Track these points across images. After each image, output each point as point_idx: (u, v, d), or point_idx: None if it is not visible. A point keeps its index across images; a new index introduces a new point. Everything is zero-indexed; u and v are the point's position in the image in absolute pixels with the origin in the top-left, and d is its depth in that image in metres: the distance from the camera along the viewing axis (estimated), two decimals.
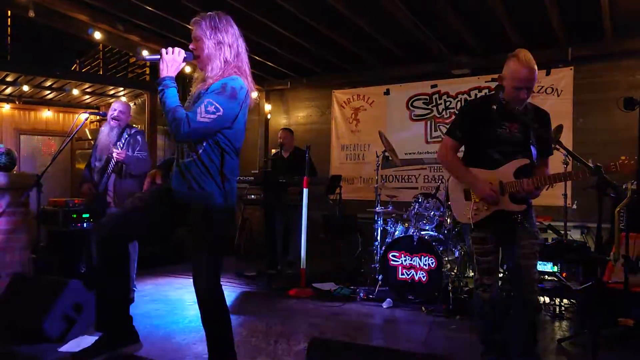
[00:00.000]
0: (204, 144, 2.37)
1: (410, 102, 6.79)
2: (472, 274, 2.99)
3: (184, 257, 6.36)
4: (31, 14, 5.00)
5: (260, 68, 6.91)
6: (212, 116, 2.27)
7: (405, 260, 4.65)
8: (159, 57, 2.39)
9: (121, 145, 4.28)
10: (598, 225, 2.37)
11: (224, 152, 2.39)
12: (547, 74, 5.86)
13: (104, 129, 4.41)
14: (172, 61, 2.38)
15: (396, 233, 5.01)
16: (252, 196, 5.88)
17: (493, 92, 2.71)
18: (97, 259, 2.45)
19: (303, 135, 7.37)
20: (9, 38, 7.78)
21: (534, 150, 2.77)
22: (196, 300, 2.43)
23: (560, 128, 4.75)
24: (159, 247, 6.47)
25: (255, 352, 3.22)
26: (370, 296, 4.76)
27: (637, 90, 5.19)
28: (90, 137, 8.47)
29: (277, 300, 4.70)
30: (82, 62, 8.98)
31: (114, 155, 4.19)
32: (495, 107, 2.74)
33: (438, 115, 6.60)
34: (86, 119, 4.80)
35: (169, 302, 4.55)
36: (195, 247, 2.38)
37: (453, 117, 6.30)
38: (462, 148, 2.91)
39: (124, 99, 8.31)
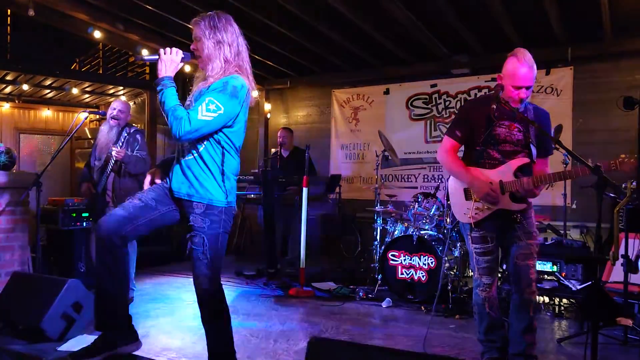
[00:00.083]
0: (205, 142, 2.37)
1: (410, 101, 6.79)
2: (472, 273, 2.99)
3: (184, 257, 6.37)
4: (31, 12, 5.00)
5: (260, 67, 6.91)
6: (213, 114, 2.27)
7: (404, 260, 4.65)
8: (157, 57, 2.39)
9: (120, 145, 4.28)
10: (597, 225, 2.37)
11: (224, 150, 2.40)
12: (547, 73, 5.86)
13: (103, 128, 4.41)
14: (171, 61, 2.38)
15: (396, 232, 5.02)
16: (252, 195, 5.88)
17: (493, 91, 2.71)
18: (96, 258, 2.45)
19: (303, 134, 7.37)
20: (8, 37, 7.77)
21: (534, 150, 2.77)
22: (196, 299, 2.44)
23: (560, 128, 4.76)
24: (159, 246, 6.47)
25: (255, 351, 3.22)
26: (370, 295, 4.76)
27: (636, 90, 5.18)
28: (89, 136, 8.47)
29: (276, 299, 4.71)
30: (82, 61, 8.97)
31: (113, 154, 4.19)
32: (495, 106, 2.74)
33: (438, 115, 6.60)
34: (86, 118, 4.80)
35: (169, 302, 4.55)
36: (195, 246, 2.38)
37: (453, 116, 6.31)
38: (462, 147, 2.91)
39: (123, 98, 8.31)
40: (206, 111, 2.26)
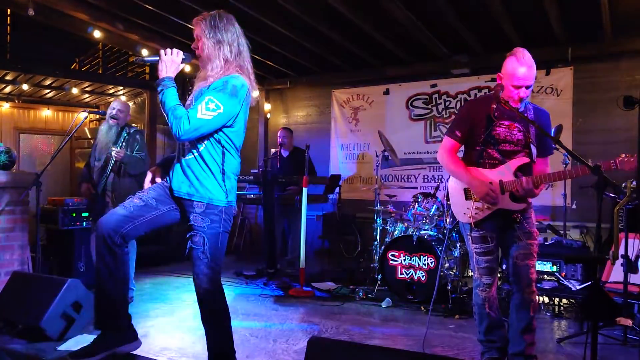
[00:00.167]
0: (205, 142, 2.38)
1: (409, 101, 6.79)
2: (471, 273, 2.99)
3: (183, 256, 6.35)
4: (31, 12, 5.01)
5: (260, 67, 6.91)
6: (213, 113, 2.27)
7: (404, 260, 4.65)
8: (158, 58, 2.40)
9: (120, 145, 4.28)
10: (597, 225, 2.37)
11: (225, 150, 2.40)
12: (547, 73, 5.85)
13: (103, 127, 4.42)
14: (171, 62, 2.39)
15: (395, 232, 5.02)
16: (252, 195, 5.88)
17: (493, 91, 2.71)
18: (96, 257, 2.45)
19: (303, 134, 7.37)
20: (8, 37, 7.77)
21: (533, 150, 2.77)
22: (196, 298, 2.44)
23: (560, 128, 4.76)
24: (159, 246, 6.47)
25: (254, 351, 3.22)
26: (370, 296, 4.76)
27: (636, 90, 5.18)
28: (89, 136, 8.48)
29: (276, 299, 4.70)
30: (82, 61, 8.97)
31: (113, 154, 4.19)
32: (495, 106, 2.73)
33: (438, 115, 6.60)
34: (85, 118, 4.79)
35: (168, 301, 4.55)
36: (196, 245, 2.38)
37: (453, 116, 6.30)
38: (462, 147, 2.91)
39: (123, 97, 8.31)
40: (205, 110, 2.26)
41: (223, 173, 2.40)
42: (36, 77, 7.23)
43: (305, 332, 3.67)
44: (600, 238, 4.53)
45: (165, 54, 2.39)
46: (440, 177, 6.40)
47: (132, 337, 2.56)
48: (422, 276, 4.55)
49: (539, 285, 4.26)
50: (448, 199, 2.99)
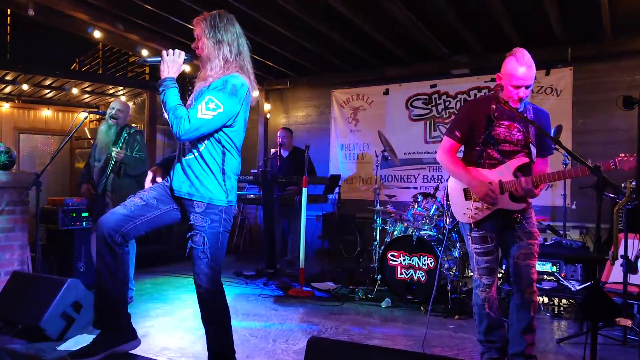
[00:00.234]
0: (206, 142, 2.38)
1: (409, 102, 6.79)
2: (471, 273, 2.99)
3: (183, 256, 6.35)
4: (31, 12, 5.01)
5: (260, 67, 6.91)
6: (213, 113, 2.27)
7: (404, 260, 4.65)
8: (159, 59, 2.41)
9: (120, 145, 4.28)
10: (597, 225, 2.36)
11: (225, 149, 2.41)
12: (547, 74, 5.86)
13: (102, 127, 4.42)
14: (173, 62, 2.40)
15: (395, 233, 5.01)
16: (252, 195, 5.89)
17: (492, 91, 2.71)
18: (96, 257, 2.45)
19: (302, 134, 7.37)
20: (8, 37, 7.78)
21: (533, 150, 2.77)
22: (196, 298, 2.44)
23: (559, 128, 4.76)
24: (159, 246, 6.47)
25: (254, 351, 3.22)
26: (369, 296, 4.76)
27: (636, 90, 5.18)
28: (89, 136, 8.48)
29: (276, 299, 4.71)
30: (82, 61, 8.98)
31: (113, 155, 4.19)
32: (494, 106, 2.73)
33: (437, 115, 6.60)
34: (85, 118, 4.79)
35: (168, 301, 4.55)
36: (196, 245, 2.39)
37: (452, 117, 6.31)
38: (462, 148, 2.91)
39: (123, 98, 8.31)
40: (205, 110, 2.26)
41: (223, 173, 2.40)
42: (36, 77, 7.24)
43: (305, 332, 3.67)
44: (600, 238, 4.53)
45: (167, 55, 2.39)
46: (439, 177, 6.40)
47: (132, 336, 2.57)
48: (422, 276, 4.55)
49: (538, 285, 4.25)
50: (448, 199, 2.99)
